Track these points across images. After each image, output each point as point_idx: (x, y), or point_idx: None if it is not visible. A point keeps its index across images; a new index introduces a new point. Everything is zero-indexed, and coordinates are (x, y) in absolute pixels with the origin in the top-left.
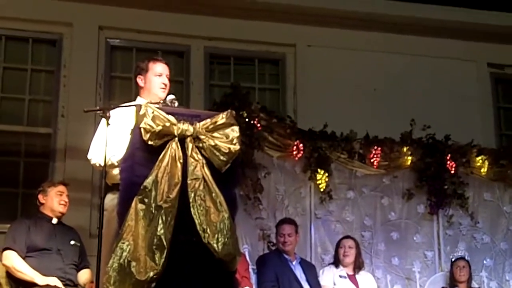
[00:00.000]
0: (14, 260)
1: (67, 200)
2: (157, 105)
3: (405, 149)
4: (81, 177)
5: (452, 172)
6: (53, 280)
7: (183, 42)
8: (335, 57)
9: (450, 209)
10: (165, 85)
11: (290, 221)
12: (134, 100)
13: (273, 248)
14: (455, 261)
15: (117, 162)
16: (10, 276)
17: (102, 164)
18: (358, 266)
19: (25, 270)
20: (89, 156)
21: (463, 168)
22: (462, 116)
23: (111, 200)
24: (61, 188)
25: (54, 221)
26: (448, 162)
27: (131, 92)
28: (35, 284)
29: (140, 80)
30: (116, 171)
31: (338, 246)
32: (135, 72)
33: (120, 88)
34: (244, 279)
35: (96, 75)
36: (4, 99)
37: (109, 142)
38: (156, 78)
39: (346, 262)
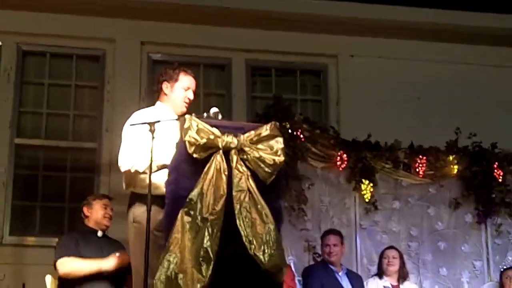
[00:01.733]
0: (71, 263)
1: (111, 213)
2: (201, 118)
3: (451, 158)
4: (126, 191)
5: (500, 180)
6: (113, 257)
7: (224, 55)
8: (378, 67)
9: (499, 218)
10: (189, 100)
11: (335, 231)
12: (153, 105)
13: (319, 259)
14: (504, 271)
15: (142, 169)
16: None
17: (136, 169)
18: (402, 276)
19: (86, 265)
20: (120, 163)
21: (510, 176)
22: (508, 124)
23: (143, 212)
24: (106, 201)
25: (100, 233)
26: (495, 170)
27: None
28: (100, 275)
29: (165, 87)
30: (145, 180)
31: (381, 256)
32: (162, 77)
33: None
34: None
35: (139, 89)
36: (50, 115)
37: (138, 148)
38: (183, 91)
39: (390, 271)
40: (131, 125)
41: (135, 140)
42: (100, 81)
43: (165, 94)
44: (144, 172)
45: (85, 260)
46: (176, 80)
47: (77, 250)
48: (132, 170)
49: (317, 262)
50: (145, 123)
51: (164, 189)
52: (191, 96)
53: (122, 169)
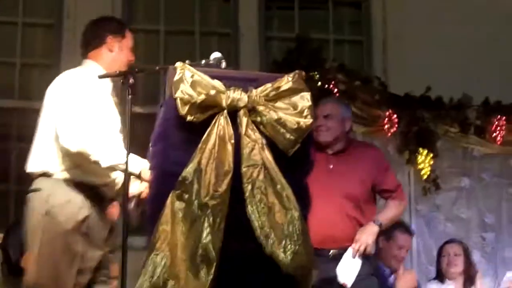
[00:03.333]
0: None
1: None
2: (197, 67)
3: None
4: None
5: None
6: None
7: None
8: None
9: None
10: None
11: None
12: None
13: None
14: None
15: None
16: None
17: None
18: (469, 278)
19: None
20: (69, 141)
21: None
22: None
23: (66, 203)
24: None
25: None
26: None
27: (158, 49)
28: None
29: (110, 43)
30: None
31: (439, 254)
32: (103, 30)
33: (145, 45)
34: None
35: None
36: None
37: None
38: (129, 52)
39: (451, 274)
40: (99, 76)
41: (94, 110)
42: (57, 17)
43: (110, 51)
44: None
45: None
46: (123, 36)
47: None
48: (93, 159)
49: None
50: (118, 74)
51: (105, 179)
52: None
53: (73, 149)
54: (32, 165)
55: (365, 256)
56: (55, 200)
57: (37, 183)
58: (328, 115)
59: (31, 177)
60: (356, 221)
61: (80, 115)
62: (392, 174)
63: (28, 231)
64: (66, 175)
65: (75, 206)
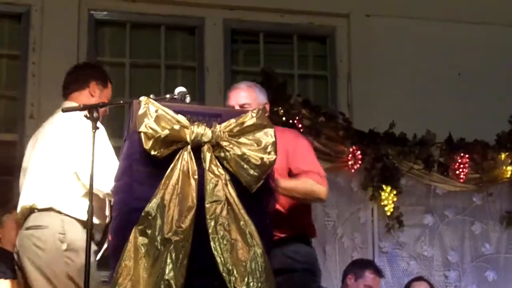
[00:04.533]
0: None
1: None
2: (162, 102)
3: (503, 155)
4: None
5: None
6: None
7: (195, 13)
8: (404, 31)
9: None
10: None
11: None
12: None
13: None
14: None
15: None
16: None
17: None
18: None
19: None
20: (102, 188)
21: None
22: None
23: (83, 236)
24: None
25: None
26: None
27: (124, 82)
28: None
29: (93, 89)
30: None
31: None
32: (88, 75)
33: (111, 77)
34: None
35: (77, 60)
36: None
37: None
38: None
39: None
40: (63, 110)
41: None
42: (23, 49)
43: (91, 95)
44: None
45: None
46: (106, 86)
47: None
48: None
49: None
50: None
51: (102, 221)
52: None
53: (106, 191)
54: (34, 199)
55: None
56: (72, 236)
57: (42, 219)
58: (245, 104)
59: (26, 210)
60: None
61: (107, 159)
62: (309, 157)
63: (39, 265)
64: (74, 213)
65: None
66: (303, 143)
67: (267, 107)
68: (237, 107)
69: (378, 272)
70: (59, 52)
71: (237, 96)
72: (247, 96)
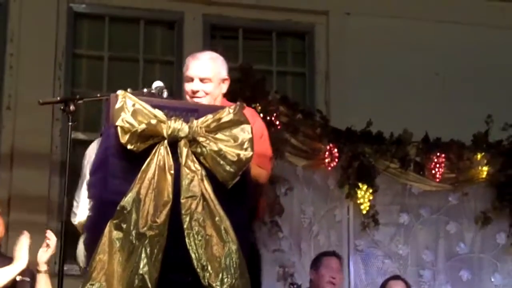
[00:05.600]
0: None
1: None
2: (139, 96)
3: (479, 156)
4: (34, 192)
5: None
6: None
7: (174, 7)
8: (382, 29)
9: None
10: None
11: (337, 254)
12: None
13: None
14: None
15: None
16: None
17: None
18: None
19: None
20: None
21: None
22: None
23: None
24: None
25: None
26: None
27: (102, 75)
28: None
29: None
30: None
31: None
32: None
33: (88, 70)
34: None
35: (55, 53)
36: None
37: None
38: (188, 85)
39: None
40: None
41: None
42: (1, 40)
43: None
44: None
45: None
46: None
47: None
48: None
49: None
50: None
51: None
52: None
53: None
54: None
55: None
56: None
57: None
58: (205, 79)
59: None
60: None
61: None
62: (262, 139)
63: None
64: None
65: None
66: (258, 124)
67: (227, 82)
68: (196, 80)
69: (333, 254)
70: (37, 44)
71: (199, 68)
72: (210, 70)
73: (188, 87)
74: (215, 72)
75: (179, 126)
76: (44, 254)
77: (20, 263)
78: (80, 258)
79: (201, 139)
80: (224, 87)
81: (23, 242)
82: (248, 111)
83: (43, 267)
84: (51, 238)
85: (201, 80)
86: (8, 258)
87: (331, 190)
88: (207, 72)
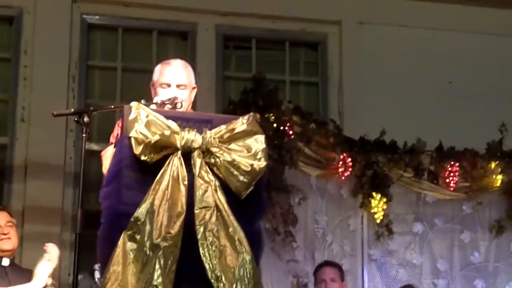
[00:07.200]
0: None
1: (8, 231)
2: (153, 107)
3: (493, 164)
4: (48, 203)
5: None
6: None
7: (187, 18)
8: (396, 39)
9: None
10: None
11: (333, 264)
12: None
13: None
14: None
15: None
16: None
17: None
18: None
19: None
20: None
21: None
22: None
23: None
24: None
25: (5, 262)
26: None
27: (115, 86)
28: None
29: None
30: None
31: None
32: None
33: (102, 81)
34: None
35: (69, 64)
36: None
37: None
38: (163, 91)
39: None
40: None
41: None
42: (14, 52)
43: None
44: None
45: None
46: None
47: None
48: None
49: None
50: (74, 112)
51: None
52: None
53: None
54: None
55: None
56: None
57: None
58: (182, 86)
59: None
60: None
61: None
62: None
63: None
64: None
65: None
66: None
67: (195, 91)
68: (173, 86)
69: (328, 263)
70: (51, 55)
71: (175, 75)
72: (185, 76)
73: (164, 93)
74: (189, 80)
75: (192, 137)
76: (46, 268)
77: (38, 283)
78: None
79: (214, 149)
80: (193, 95)
81: (46, 266)
82: None
83: (48, 280)
84: (52, 252)
85: (177, 86)
86: (26, 270)
87: (344, 200)
88: (182, 79)
